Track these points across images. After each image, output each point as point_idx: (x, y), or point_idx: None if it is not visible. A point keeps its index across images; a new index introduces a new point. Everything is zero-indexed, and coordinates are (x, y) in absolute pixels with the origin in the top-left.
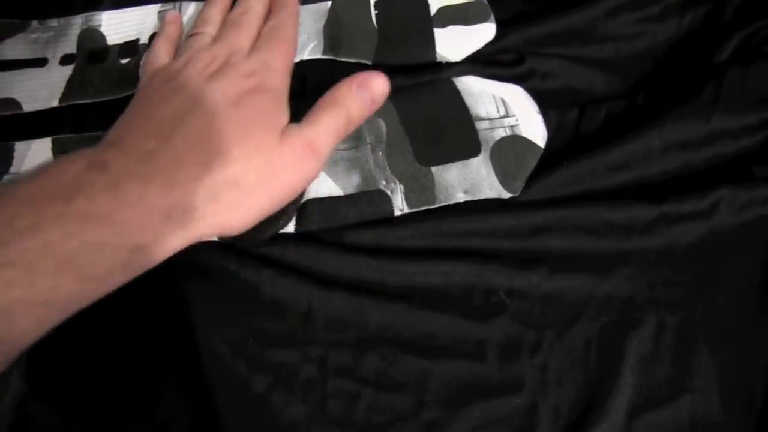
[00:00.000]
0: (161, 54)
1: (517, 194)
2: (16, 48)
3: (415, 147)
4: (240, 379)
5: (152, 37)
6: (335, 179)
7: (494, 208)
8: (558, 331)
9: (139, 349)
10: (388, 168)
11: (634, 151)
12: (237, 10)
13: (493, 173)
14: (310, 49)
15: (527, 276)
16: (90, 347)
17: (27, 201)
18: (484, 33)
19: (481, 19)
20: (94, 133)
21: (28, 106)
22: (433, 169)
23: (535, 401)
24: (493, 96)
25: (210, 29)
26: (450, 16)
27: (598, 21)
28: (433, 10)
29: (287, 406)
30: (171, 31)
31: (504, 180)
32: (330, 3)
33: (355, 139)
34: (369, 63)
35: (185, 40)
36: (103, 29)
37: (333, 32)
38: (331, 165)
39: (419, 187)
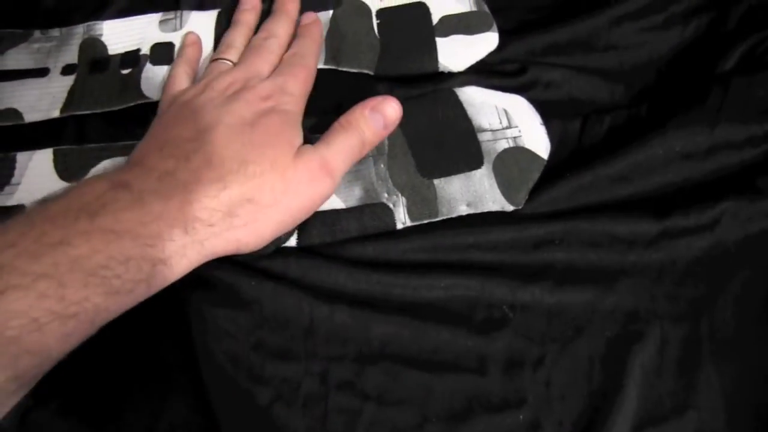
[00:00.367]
0: (181, 79)
1: (520, 207)
2: (18, 58)
3: (418, 159)
4: (241, 392)
5: (153, 47)
6: (337, 192)
7: (496, 220)
8: (561, 345)
9: (141, 361)
10: (390, 180)
11: (636, 163)
12: (260, 35)
13: (495, 186)
14: None
15: (530, 290)
16: (92, 360)
17: (55, 219)
18: (486, 42)
19: (483, 28)
20: (96, 144)
21: (29, 117)
22: (436, 181)
23: (538, 416)
24: (496, 107)
25: (232, 55)
26: (452, 26)
27: (601, 31)
28: (435, 19)
29: (288, 420)
30: (190, 53)
31: (507, 192)
32: (332, 12)
33: None
34: (371, 73)
35: (208, 65)
36: (104, 39)
37: (335, 42)
38: None
39: (421, 200)
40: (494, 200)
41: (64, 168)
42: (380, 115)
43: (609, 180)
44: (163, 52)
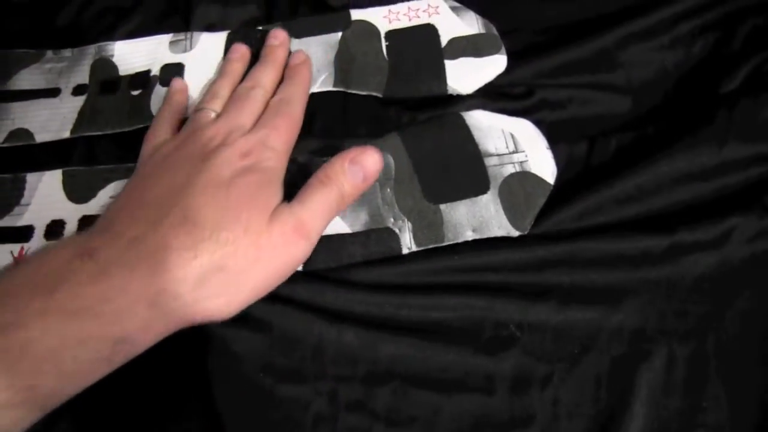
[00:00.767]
0: (162, 129)
1: (525, 232)
2: (31, 78)
3: (424, 184)
4: (251, 413)
5: (163, 68)
6: (342, 216)
7: (503, 242)
8: (568, 364)
9: (154, 384)
10: (396, 205)
11: (643, 184)
12: (246, 83)
13: (501, 211)
14: (321, 81)
15: (537, 309)
16: (104, 382)
17: (11, 295)
18: (495, 65)
19: (492, 50)
20: (105, 166)
21: (39, 137)
22: (442, 206)
23: None
24: (502, 131)
25: (216, 105)
26: (461, 48)
27: (608, 51)
28: (444, 41)
29: None
30: (176, 100)
31: (513, 218)
32: (341, 34)
33: None
34: (380, 95)
35: (191, 114)
36: (115, 59)
37: (344, 64)
38: None
39: (427, 225)
40: (500, 225)
41: (72, 189)
42: (359, 168)
43: (615, 201)
44: (173, 73)
